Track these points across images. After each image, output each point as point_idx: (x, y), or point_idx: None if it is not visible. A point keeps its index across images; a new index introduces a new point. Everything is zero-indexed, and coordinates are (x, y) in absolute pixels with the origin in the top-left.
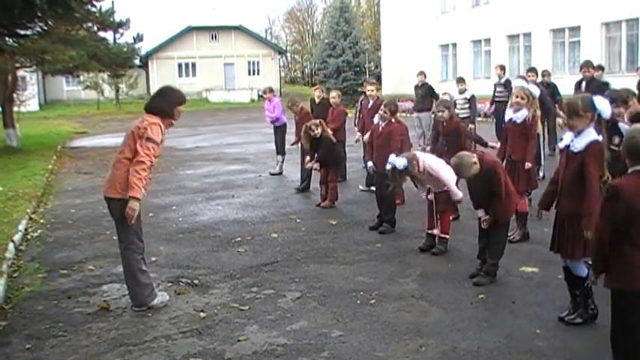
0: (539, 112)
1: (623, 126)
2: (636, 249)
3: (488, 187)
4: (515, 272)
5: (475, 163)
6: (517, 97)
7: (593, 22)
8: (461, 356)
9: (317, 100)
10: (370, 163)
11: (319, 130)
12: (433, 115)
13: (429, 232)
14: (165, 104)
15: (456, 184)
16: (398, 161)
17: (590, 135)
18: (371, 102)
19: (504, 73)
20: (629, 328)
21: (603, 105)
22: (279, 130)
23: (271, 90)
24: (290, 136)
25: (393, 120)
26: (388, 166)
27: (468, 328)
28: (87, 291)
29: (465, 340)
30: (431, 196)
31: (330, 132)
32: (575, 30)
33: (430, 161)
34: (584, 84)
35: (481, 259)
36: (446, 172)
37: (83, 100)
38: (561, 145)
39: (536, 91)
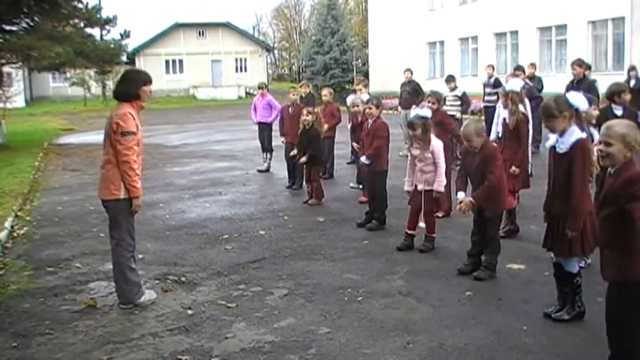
0: (521, 108)
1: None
2: None
3: (483, 169)
4: (502, 269)
5: (482, 135)
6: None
7: (580, 20)
8: (448, 353)
9: (303, 95)
10: (362, 159)
11: (310, 117)
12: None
13: (408, 232)
14: (131, 87)
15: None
16: (423, 111)
17: (574, 134)
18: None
19: (494, 71)
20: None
21: (578, 100)
22: (267, 127)
23: (265, 85)
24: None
25: (379, 115)
26: (412, 114)
27: (456, 325)
28: (74, 288)
29: (453, 337)
30: (411, 188)
31: (321, 127)
32: (561, 28)
33: (437, 141)
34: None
35: (470, 253)
36: (443, 156)
37: (70, 97)
38: (547, 145)
39: (512, 86)
